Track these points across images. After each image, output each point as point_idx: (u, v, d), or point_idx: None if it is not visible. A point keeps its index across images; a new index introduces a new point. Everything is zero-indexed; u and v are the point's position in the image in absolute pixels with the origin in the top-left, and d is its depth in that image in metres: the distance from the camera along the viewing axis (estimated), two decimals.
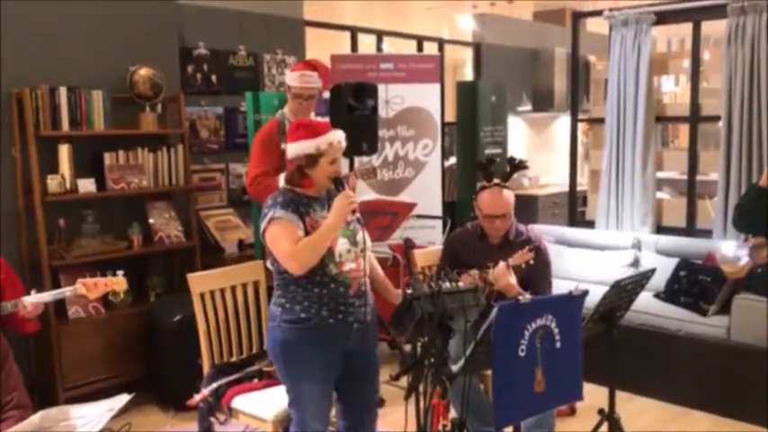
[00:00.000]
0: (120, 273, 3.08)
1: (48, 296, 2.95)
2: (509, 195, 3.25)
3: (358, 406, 2.84)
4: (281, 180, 2.73)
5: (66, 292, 2.99)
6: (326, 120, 4.07)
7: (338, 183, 2.63)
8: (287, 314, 2.62)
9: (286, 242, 2.53)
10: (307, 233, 2.56)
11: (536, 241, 3.29)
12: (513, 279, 3.07)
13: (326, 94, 4.14)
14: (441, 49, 7.10)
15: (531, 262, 3.10)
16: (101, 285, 2.99)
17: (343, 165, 4.72)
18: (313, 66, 3.80)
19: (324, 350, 2.64)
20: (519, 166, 3.33)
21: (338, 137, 2.64)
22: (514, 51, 7.89)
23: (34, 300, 2.87)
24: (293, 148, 2.62)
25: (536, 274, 3.22)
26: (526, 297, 2.36)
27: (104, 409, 2.34)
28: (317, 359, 2.63)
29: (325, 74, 3.88)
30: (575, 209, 6.20)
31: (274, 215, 2.56)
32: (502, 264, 3.07)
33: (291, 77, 3.76)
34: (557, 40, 8.01)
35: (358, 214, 2.64)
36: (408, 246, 2.92)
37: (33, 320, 3.00)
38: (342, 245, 2.61)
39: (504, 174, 3.29)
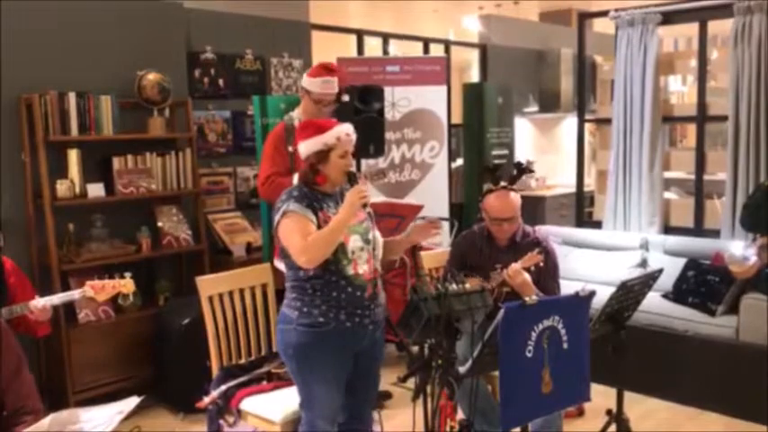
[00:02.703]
0: (127, 274, 3.10)
1: (56, 299, 2.98)
2: (515, 198, 3.26)
3: (361, 400, 2.84)
4: (295, 179, 2.74)
5: (74, 294, 3.01)
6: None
7: (351, 177, 2.65)
8: (304, 318, 2.62)
9: (298, 236, 2.53)
10: (319, 228, 2.57)
11: (543, 243, 3.29)
12: (528, 277, 3.07)
13: (346, 97, 4.12)
14: (447, 50, 7.11)
15: (542, 264, 3.10)
16: (108, 287, 3.01)
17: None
18: (332, 70, 3.78)
19: (338, 353, 2.65)
20: (525, 170, 3.34)
21: (345, 130, 2.66)
22: (521, 52, 7.89)
23: (42, 303, 2.89)
24: (303, 148, 2.64)
25: (545, 275, 3.22)
26: (533, 298, 2.36)
27: (114, 411, 2.35)
28: (331, 362, 2.64)
29: (341, 77, 3.88)
30: (582, 209, 6.20)
31: (288, 208, 2.58)
32: (516, 263, 3.08)
33: (313, 83, 3.69)
34: (563, 40, 8.00)
35: (369, 209, 2.64)
36: (415, 248, 2.93)
37: (44, 324, 3.02)
38: (354, 241, 2.62)
39: (510, 177, 3.30)
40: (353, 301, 2.63)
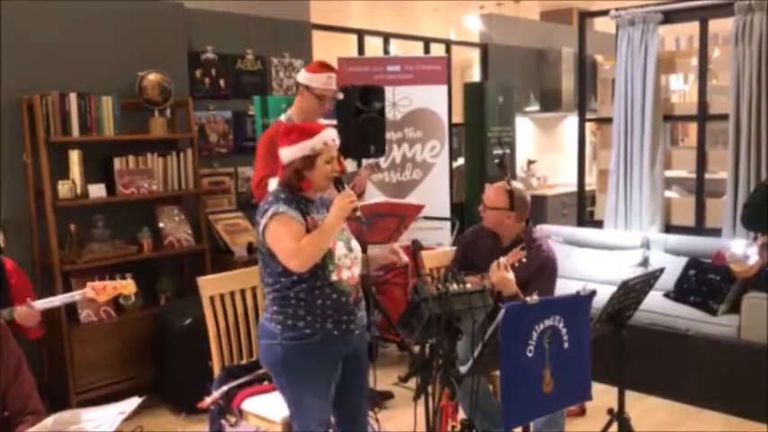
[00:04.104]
0: (128, 275, 3.11)
1: (57, 300, 2.98)
2: (503, 194, 3.23)
3: (356, 404, 2.83)
4: (273, 184, 2.70)
5: (75, 296, 3.01)
6: (333, 122, 4.10)
7: (338, 182, 2.61)
8: (289, 331, 2.57)
9: (288, 239, 2.48)
10: (307, 232, 2.53)
11: (546, 252, 3.27)
12: (509, 274, 3.04)
13: (340, 95, 4.14)
14: (448, 50, 7.11)
15: (524, 260, 3.09)
16: (109, 288, 3.01)
17: (352, 167, 4.75)
18: (331, 67, 3.77)
19: (327, 362, 2.63)
20: (502, 164, 3.38)
21: (332, 135, 2.61)
22: (522, 51, 7.89)
23: (26, 309, 2.87)
24: (287, 153, 2.58)
25: (541, 280, 3.21)
26: (534, 298, 2.36)
27: (116, 412, 2.35)
28: (320, 372, 2.62)
29: (338, 76, 3.88)
30: (583, 209, 6.20)
31: (278, 210, 2.51)
32: (494, 263, 3.06)
33: (317, 79, 3.61)
34: (564, 39, 8.01)
35: (359, 213, 2.59)
36: (416, 247, 2.94)
37: (35, 328, 3.01)
38: (340, 248, 2.60)
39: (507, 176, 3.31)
40: (339, 307, 2.59)
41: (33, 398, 2.74)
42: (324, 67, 3.69)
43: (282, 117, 3.72)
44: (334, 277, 2.57)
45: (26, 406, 2.67)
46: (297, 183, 2.59)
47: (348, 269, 2.63)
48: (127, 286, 3.06)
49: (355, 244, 2.70)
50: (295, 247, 2.47)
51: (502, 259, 3.04)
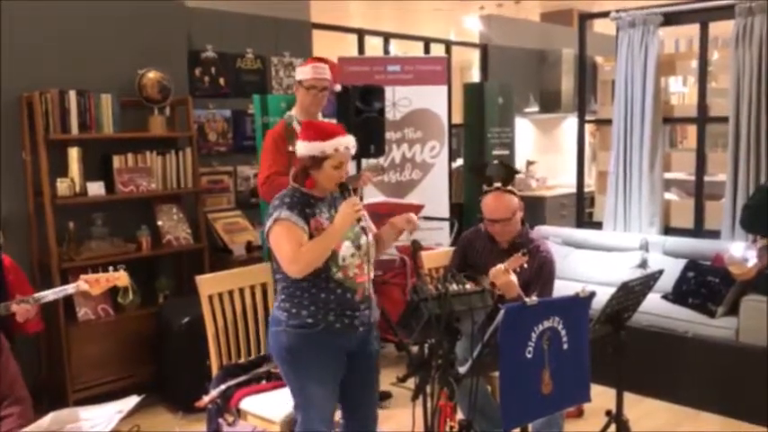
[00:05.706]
0: (121, 267, 3.11)
1: (51, 294, 2.97)
2: (511, 200, 3.22)
3: (361, 407, 2.82)
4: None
5: (68, 289, 3.01)
6: (333, 121, 4.10)
7: (344, 189, 2.61)
8: (293, 319, 2.60)
9: (289, 245, 2.51)
10: (311, 236, 2.55)
11: (543, 252, 3.27)
12: (513, 277, 3.04)
13: (338, 87, 4.14)
14: (448, 50, 7.11)
15: (525, 266, 3.08)
16: (102, 281, 3.02)
17: (352, 167, 4.74)
18: (322, 60, 3.80)
19: (330, 354, 2.63)
20: (514, 172, 3.36)
21: (346, 142, 2.60)
22: (522, 52, 7.89)
23: (21, 305, 2.87)
24: (301, 147, 2.61)
25: (540, 283, 3.20)
26: (533, 299, 2.36)
27: (114, 410, 2.36)
28: (323, 363, 2.63)
29: (333, 69, 3.88)
30: (582, 210, 6.19)
31: (280, 216, 2.54)
32: (499, 265, 3.05)
33: (303, 71, 3.69)
34: (564, 41, 8.01)
35: (364, 222, 2.60)
36: (415, 247, 2.93)
37: (32, 321, 3.01)
38: (346, 249, 2.60)
39: (504, 178, 3.29)
40: (342, 302, 2.61)
41: (18, 385, 2.73)
42: (312, 60, 3.76)
43: (285, 117, 3.75)
44: (339, 275, 2.59)
45: (11, 393, 2.67)
46: (302, 180, 2.64)
47: (356, 268, 2.63)
48: (120, 278, 3.07)
49: (365, 240, 2.66)
50: (295, 253, 2.50)
51: (502, 265, 3.03)
